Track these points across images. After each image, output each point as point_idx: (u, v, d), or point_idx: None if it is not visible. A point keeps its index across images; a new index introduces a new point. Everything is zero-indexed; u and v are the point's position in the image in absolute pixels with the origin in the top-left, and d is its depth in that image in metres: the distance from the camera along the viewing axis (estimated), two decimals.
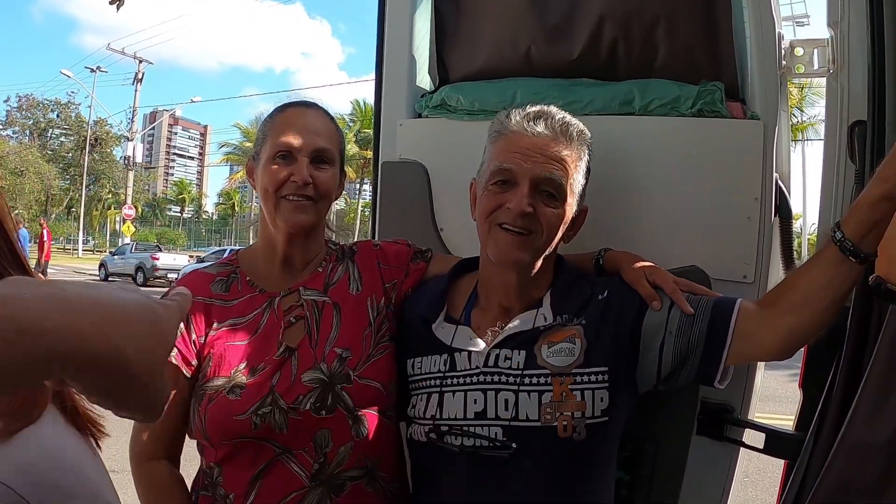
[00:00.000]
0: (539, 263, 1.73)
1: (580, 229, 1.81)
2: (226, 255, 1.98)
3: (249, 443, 1.65)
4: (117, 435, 1.24)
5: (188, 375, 1.71)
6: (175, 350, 1.66)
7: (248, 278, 1.83)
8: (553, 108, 1.73)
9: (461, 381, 1.72)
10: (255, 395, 1.65)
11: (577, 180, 1.71)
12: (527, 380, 1.66)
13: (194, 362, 1.72)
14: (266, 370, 1.69)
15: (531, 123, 1.68)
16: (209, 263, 1.97)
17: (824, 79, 2.04)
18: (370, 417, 1.73)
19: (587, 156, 1.74)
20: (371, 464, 1.74)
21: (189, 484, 1.80)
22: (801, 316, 1.55)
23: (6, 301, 0.59)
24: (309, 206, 1.76)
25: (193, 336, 1.72)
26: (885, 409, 1.29)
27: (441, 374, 1.75)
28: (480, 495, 1.66)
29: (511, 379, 1.67)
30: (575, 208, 1.74)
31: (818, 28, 2.19)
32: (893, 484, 1.25)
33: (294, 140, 1.75)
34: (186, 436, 1.79)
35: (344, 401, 1.69)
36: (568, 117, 1.72)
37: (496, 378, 1.69)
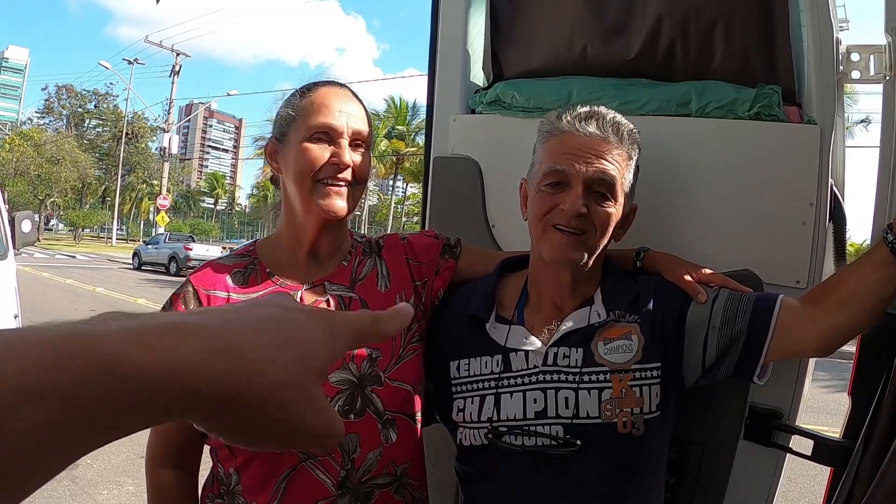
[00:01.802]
0: (592, 262, 1.73)
1: (630, 227, 1.81)
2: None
3: None
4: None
5: None
6: None
7: (267, 270, 1.74)
8: (603, 108, 1.74)
9: (519, 381, 1.71)
10: None
11: (627, 179, 1.72)
12: (586, 377, 1.67)
13: None
14: None
15: (583, 124, 1.68)
16: (226, 254, 1.87)
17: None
18: (400, 421, 1.68)
19: (637, 154, 1.75)
20: (399, 470, 1.68)
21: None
22: (844, 315, 1.55)
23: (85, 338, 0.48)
24: (347, 191, 1.69)
25: None
26: None
27: (496, 376, 1.74)
28: (543, 495, 1.66)
29: (570, 377, 1.67)
30: (626, 207, 1.75)
31: (857, 33, 2.16)
32: None
33: (334, 121, 1.66)
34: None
35: (374, 404, 1.63)
36: (618, 117, 1.72)
37: (555, 377, 1.69)
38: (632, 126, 1.74)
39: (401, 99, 48.68)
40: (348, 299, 1.73)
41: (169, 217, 42.58)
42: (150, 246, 34.43)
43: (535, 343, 1.74)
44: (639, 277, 1.82)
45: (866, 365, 1.88)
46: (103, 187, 66.05)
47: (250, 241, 1.98)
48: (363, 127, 1.72)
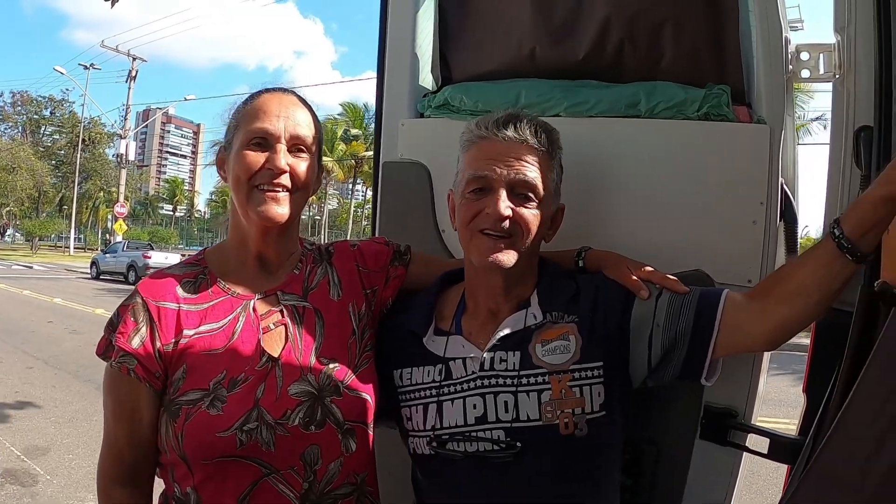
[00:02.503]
0: (523, 264, 1.73)
1: (560, 227, 1.83)
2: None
3: (233, 462, 1.52)
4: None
5: (155, 390, 1.58)
6: (135, 361, 1.55)
7: (218, 279, 1.69)
8: (521, 112, 1.76)
9: (458, 388, 1.72)
10: (238, 409, 1.52)
11: (551, 179, 1.74)
12: (524, 380, 1.67)
13: (158, 373, 1.57)
14: (249, 382, 1.56)
15: (501, 129, 1.70)
16: (174, 264, 1.80)
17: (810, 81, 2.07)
18: (359, 430, 1.66)
19: (559, 154, 1.78)
20: (359, 479, 1.67)
21: None
22: (791, 308, 1.57)
23: None
24: (285, 197, 1.65)
25: (158, 344, 1.57)
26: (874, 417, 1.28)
27: (437, 384, 1.75)
28: (486, 498, 1.66)
29: (508, 381, 1.68)
30: (552, 207, 1.77)
31: (810, 33, 2.18)
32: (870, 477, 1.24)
33: (270, 126, 1.63)
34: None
35: (334, 414, 1.60)
36: (537, 119, 1.75)
37: (494, 381, 1.69)
38: (551, 126, 1.77)
39: (357, 103, 48.49)
40: (302, 309, 1.71)
41: (127, 225, 42.19)
42: (108, 255, 34.07)
43: (472, 350, 1.74)
44: (579, 277, 1.83)
45: (820, 362, 1.90)
46: (60, 195, 65.20)
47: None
48: (305, 132, 1.69)
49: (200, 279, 1.69)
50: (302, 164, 1.68)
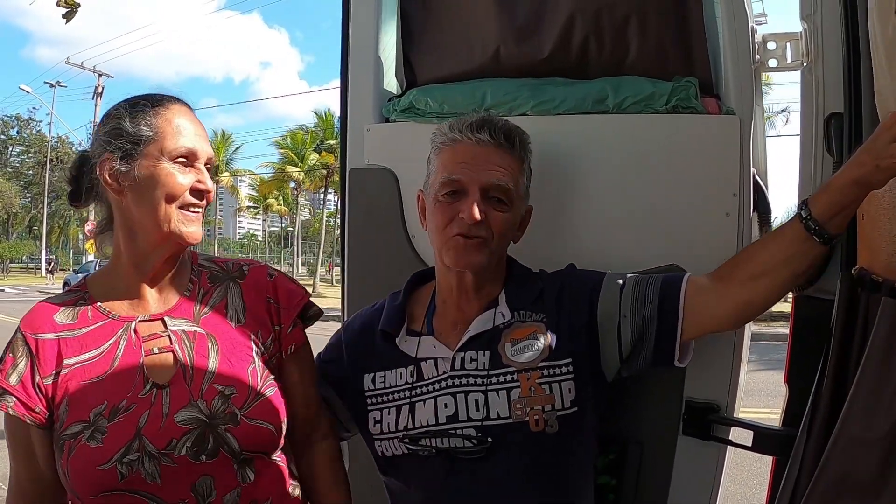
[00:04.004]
0: (492, 265, 1.78)
1: (528, 227, 1.86)
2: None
3: (120, 496, 1.43)
4: None
5: (37, 425, 1.49)
6: (13, 399, 1.47)
7: (98, 304, 1.58)
8: (494, 116, 1.79)
9: (430, 388, 1.75)
10: (118, 440, 1.43)
11: (521, 183, 1.77)
12: (494, 379, 1.70)
13: (39, 409, 1.48)
14: (131, 411, 1.46)
15: (475, 132, 1.72)
16: (54, 295, 1.70)
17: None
18: (258, 460, 1.56)
19: (529, 158, 1.80)
20: None
21: None
22: (755, 288, 1.62)
23: None
24: (200, 216, 1.60)
25: (37, 378, 1.49)
26: (880, 405, 1.28)
27: (409, 385, 1.77)
28: (458, 496, 1.68)
29: (479, 380, 1.71)
30: (522, 210, 1.80)
31: (775, 27, 2.19)
32: (891, 479, 1.24)
33: (195, 146, 1.57)
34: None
35: (228, 443, 1.49)
36: (509, 123, 1.78)
37: (464, 380, 1.72)
38: (523, 131, 1.79)
39: (328, 111, 48.32)
40: (192, 334, 1.60)
41: None
42: (79, 274, 33.42)
43: (443, 350, 1.77)
44: (545, 276, 1.85)
45: (800, 351, 1.90)
46: (30, 216, 64.63)
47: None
48: (211, 151, 1.63)
49: (80, 304, 1.59)
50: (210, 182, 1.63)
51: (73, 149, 61.06)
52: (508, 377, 1.69)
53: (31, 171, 64.90)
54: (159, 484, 1.43)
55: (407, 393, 1.76)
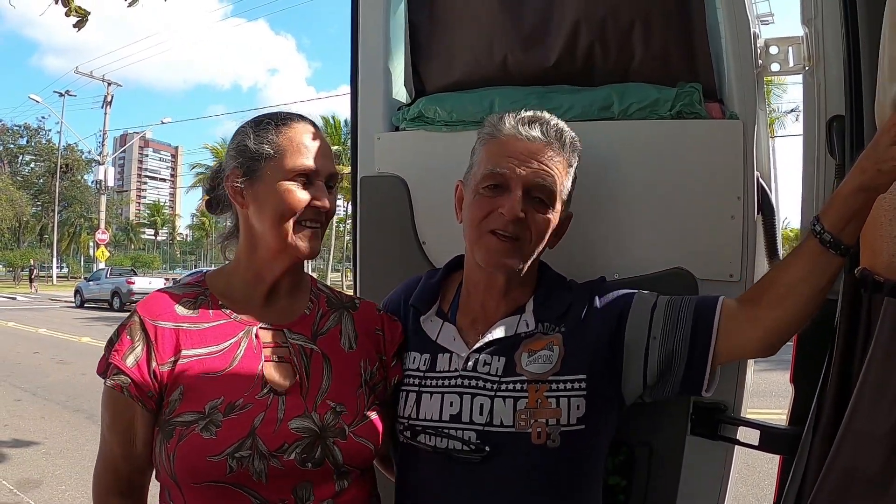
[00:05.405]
0: (525, 269, 1.72)
1: (564, 235, 1.80)
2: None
3: (222, 489, 1.49)
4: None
5: (148, 409, 1.55)
6: (128, 380, 1.53)
7: (220, 301, 1.67)
8: (547, 114, 1.73)
9: (439, 382, 1.73)
10: (232, 435, 1.49)
11: (566, 186, 1.72)
12: (504, 386, 1.67)
13: (151, 393, 1.54)
14: (247, 410, 1.53)
15: (526, 127, 1.68)
16: (172, 285, 1.79)
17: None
18: (354, 473, 1.64)
19: (576, 162, 1.75)
20: None
21: None
22: (783, 310, 1.56)
23: None
24: (320, 232, 1.68)
25: (154, 364, 1.55)
26: (885, 401, 1.30)
27: (421, 374, 1.76)
28: (451, 497, 1.67)
29: (489, 385, 1.68)
30: (562, 214, 1.74)
31: (781, 26, 2.21)
32: None
33: (315, 164, 1.64)
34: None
35: (334, 456, 1.56)
36: (561, 123, 1.73)
37: (474, 383, 1.69)
38: (574, 133, 1.74)
39: (334, 118, 48.22)
40: (310, 351, 1.67)
41: (109, 251, 41.85)
42: (91, 282, 33.76)
43: (460, 346, 1.75)
44: (577, 287, 1.81)
45: (806, 351, 1.91)
46: (40, 225, 64.81)
47: (192, 271, 1.88)
48: (334, 168, 1.70)
49: (201, 300, 1.67)
50: (332, 199, 1.69)
51: (83, 157, 61.32)
52: (518, 386, 1.65)
53: (41, 180, 65.14)
54: (265, 483, 1.50)
55: (418, 381, 1.76)
